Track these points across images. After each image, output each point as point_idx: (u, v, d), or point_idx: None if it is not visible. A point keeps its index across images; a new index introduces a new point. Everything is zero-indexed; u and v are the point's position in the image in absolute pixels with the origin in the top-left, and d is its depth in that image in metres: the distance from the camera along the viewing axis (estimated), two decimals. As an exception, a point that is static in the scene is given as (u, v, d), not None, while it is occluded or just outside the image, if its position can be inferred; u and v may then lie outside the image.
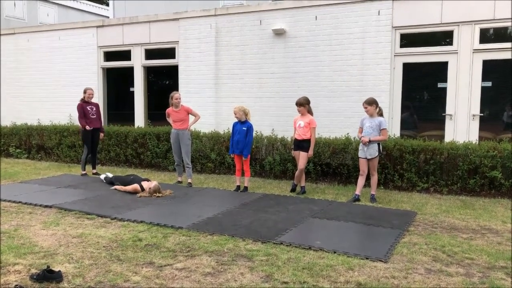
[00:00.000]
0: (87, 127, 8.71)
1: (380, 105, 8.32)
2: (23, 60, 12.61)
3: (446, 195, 7.13)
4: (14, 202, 6.54)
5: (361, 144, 6.71)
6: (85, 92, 8.92)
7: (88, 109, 8.82)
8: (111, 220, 5.58)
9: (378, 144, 6.65)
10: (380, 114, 6.72)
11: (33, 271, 3.85)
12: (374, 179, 6.73)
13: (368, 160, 6.65)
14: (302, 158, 7.12)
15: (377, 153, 6.63)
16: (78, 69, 11.77)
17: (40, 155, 11.28)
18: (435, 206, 6.36)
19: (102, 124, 9.32)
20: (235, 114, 7.32)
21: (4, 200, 6.62)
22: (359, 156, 6.79)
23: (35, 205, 6.36)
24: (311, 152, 7.11)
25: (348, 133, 8.27)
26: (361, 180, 6.76)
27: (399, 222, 5.46)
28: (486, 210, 6.18)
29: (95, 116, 8.90)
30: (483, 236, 4.98)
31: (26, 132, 11.55)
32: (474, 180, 7.12)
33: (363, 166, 6.72)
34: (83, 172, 8.90)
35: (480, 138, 7.92)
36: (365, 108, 6.66)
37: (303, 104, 7.12)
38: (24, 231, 5.07)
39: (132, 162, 10.02)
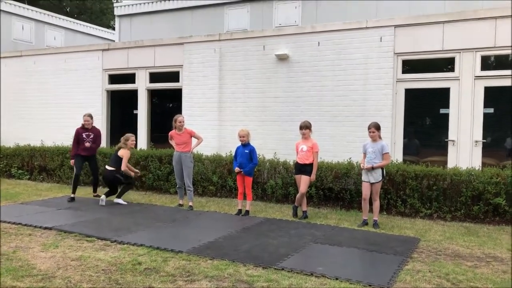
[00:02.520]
0: (71, 162, 8.62)
1: (382, 130, 8.38)
2: (29, 82, 12.77)
3: (450, 222, 7.05)
4: (14, 223, 6.49)
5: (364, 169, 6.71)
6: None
7: (84, 136, 8.58)
8: (110, 243, 5.52)
9: (382, 169, 6.64)
10: (380, 138, 6.76)
11: (30, 294, 3.79)
12: (376, 204, 6.68)
13: (372, 184, 6.62)
14: (303, 182, 7.07)
15: (381, 178, 6.61)
16: (83, 91, 11.90)
17: (42, 176, 11.28)
18: (438, 233, 6.28)
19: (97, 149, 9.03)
20: (243, 137, 7.28)
21: (4, 222, 6.58)
22: (363, 180, 6.76)
23: (35, 226, 6.31)
24: (313, 176, 7.07)
25: (350, 158, 8.25)
26: (365, 204, 6.73)
27: (402, 248, 5.39)
28: (491, 237, 6.10)
29: (89, 144, 8.59)
30: (488, 264, 4.90)
31: (28, 153, 11.58)
32: (477, 207, 7.05)
33: (366, 190, 6.68)
34: (72, 196, 8.45)
35: (483, 164, 7.89)
36: (373, 132, 6.65)
37: (309, 127, 7.13)
38: (23, 253, 5.02)
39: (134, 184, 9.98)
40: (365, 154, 6.76)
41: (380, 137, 6.73)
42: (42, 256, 4.92)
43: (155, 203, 8.32)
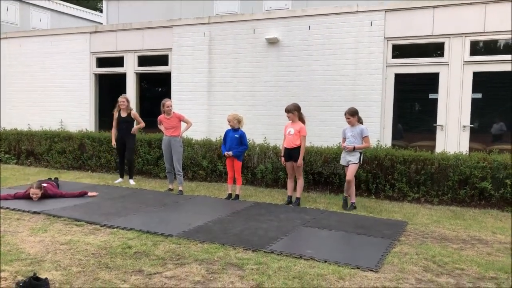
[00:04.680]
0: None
1: (371, 115, 8.40)
2: (14, 65, 12.52)
3: (437, 206, 7.16)
4: (1, 208, 6.43)
5: (343, 152, 6.78)
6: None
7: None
8: (100, 227, 5.51)
9: (360, 154, 6.70)
10: (360, 122, 6.80)
11: (19, 278, 3.78)
12: (351, 184, 6.74)
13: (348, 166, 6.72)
14: (296, 171, 7.00)
15: (357, 161, 6.67)
16: (70, 75, 11.72)
17: (29, 160, 11.16)
18: (425, 216, 6.38)
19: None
20: (229, 122, 7.30)
21: (-8, 206, 6.52)
22: (342, 163, 6.90)
23: (23, 211, 6.26)
24: (300, 161, 6.92)
25: (339, 143, 8.27)
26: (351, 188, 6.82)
27: (390, 231, 5.46)
28: (476, 220, 6.21)
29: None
30: (473, 246, 5.00)
31: (15, 137, 11.42)
32: (464, 191, 7.16)
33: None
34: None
35: (470, 149, 7.99)
36: (348, 118, 6.72)
37: (291, 111, 6.98)
38: (11, 238, 4.98)
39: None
40: (344, 139, 6.84)
41: (359, 122, 6.77)
42: (31, 241, 4.89)
43: (145, 188, 8.30)
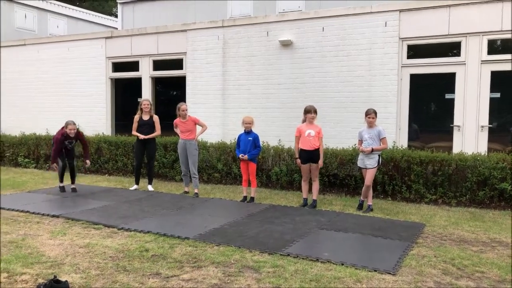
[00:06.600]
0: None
1: (387, 116, 8.34)
2: (32, 71, 12.77)
3: (455, 207, 7.06)
4: (22, 211, 6.56)
5: (361, 154, 6.72)
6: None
7: (66, 143, 8.06)
8: (118, 230, 5.58)
9: (379, 156, 6.65)
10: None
11: (40, 281, 3.85)
12: (368, 188, 6.70)
13: (367, 169, 6.67)
14: (313, 173, 6.95)
15: (376, 164, 6.62)
16: (87, 80, 11.90)
17: (48, 164, 11.35)
18: (443, 218, 6.29)
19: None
20: (249, 123, 7.26)
21: (12, 210, 6.65)
22: (359, 166, 6.85)
23: (43, 214, 6.38)
24: (321, 162, 6.91)
25: (355, 144, 8.22)
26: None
27: (408, 234, 5.41)
28: (496, 222, 6.10)
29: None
30: (493, 249, 4.91)
31: (34, 142, 11.64)
32: (483, 192, 7.04)
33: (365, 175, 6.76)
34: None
35: (489, 149, 7.86)
36: (372, 118, 6.64)
37: (316, 112, 6.96)
38: (32, 241, 5.08)
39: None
40: (360, 141, 6.77)
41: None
42: (51, 244, 4.98)
43: (161, 191, 8.37)
